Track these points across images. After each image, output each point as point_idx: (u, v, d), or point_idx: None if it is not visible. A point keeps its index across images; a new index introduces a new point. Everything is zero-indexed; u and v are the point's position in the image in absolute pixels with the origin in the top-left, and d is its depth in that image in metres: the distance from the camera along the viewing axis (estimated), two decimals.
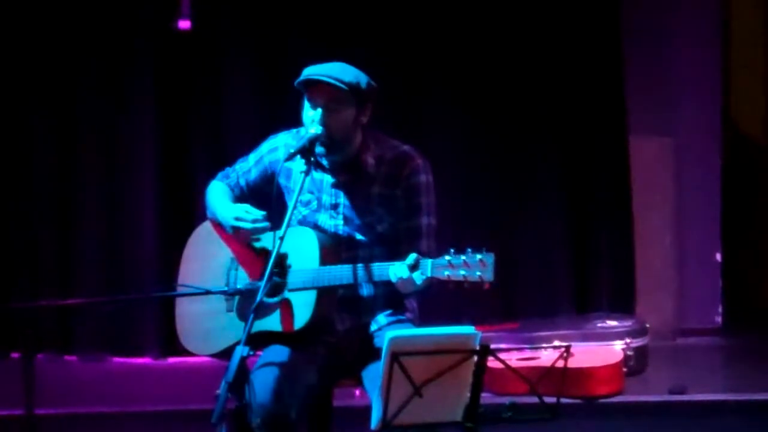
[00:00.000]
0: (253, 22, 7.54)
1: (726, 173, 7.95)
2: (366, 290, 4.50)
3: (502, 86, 7.58)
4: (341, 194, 4.54)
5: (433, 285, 4.20)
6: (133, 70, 7.57)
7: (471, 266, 4.00)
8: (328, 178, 4.55)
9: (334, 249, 4.46)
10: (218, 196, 4.69)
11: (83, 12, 7.50)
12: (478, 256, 4.00)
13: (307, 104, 4.45)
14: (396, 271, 4.17)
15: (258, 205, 4.58)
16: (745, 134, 9.13)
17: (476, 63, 7.56)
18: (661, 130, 7.76)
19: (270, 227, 4.44)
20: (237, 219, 4.51)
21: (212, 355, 4.63)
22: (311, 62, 4.51)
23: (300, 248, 4.40)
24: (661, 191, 7.76)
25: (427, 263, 4.07)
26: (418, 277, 4.11)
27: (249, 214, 4.50)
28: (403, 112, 7.31)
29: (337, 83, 4.38)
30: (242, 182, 4.70)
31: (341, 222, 4.53)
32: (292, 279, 4.38)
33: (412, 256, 4.11)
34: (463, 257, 4.01)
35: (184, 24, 7.45)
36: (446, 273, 4.03)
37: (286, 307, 4.37)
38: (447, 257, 4.03)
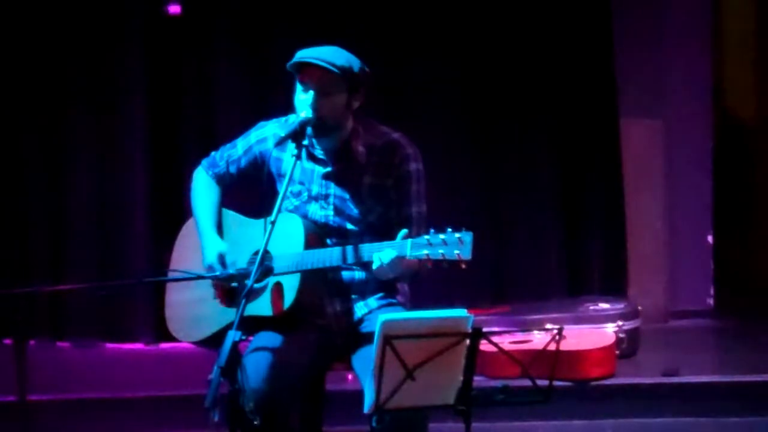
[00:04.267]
0: (243, 5, 7.53)
1: (717, 155, 7.95)
2: (357, 273, 4.51)
3: (494, 68, 7.58)
4: (331, 185, 4.54)
5: (417, 271, 4.24)
6: (123, 54, 7.57)
7: (449, 244, 4.00)
8: (319, 169, 4.55)
9: (319, 235, 4.47)
10: (203, 210, 4.69)
11: None
12: (457, 235, 4.00)
13: (298, 87, 4.44)
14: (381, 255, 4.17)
15: (247, 189, 4.59)
16: (735, 116, 9.14)
17: (467, 46, 7.55)
18: (652, 113, 7.75)
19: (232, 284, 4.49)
20: (209, 268, 4.55)
21: (197, 342, 4.64)
22: (300, 46, 4.50)
23: (286, 233, 4.41)
24: (653, 174, 7.76)
25: (406, 243, 4.08)
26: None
27: (220, 269, 4.52)
28: (392, 93, 7.29)
29: (329, 66, 4.37)
30: (232, 169, 4.70)
31: (332, 213, 4.53)
32: (278, 263, 4.39)
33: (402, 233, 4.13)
34: (441, 236, 4.01)
35: (174, 9, 7.46)
36: (425, 252, 4.03)
37: (278, 289, 4.38)
38: (426, 237, 4.04)
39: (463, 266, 4.01)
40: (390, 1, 7.51)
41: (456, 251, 3.99)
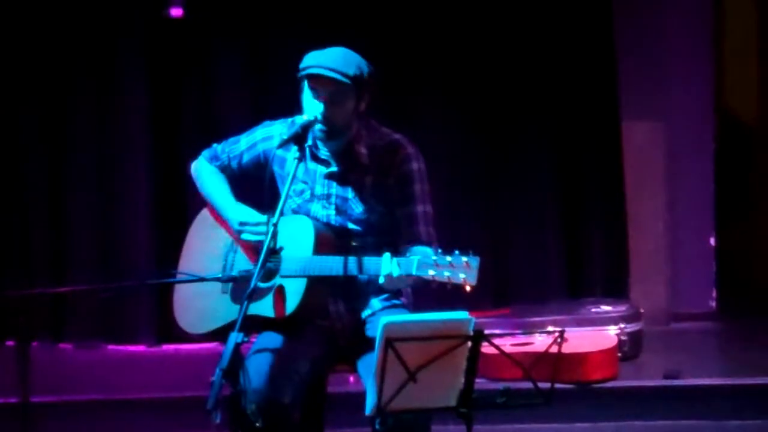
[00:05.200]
0: (244, 8, 7.54)
1: (719, 157, 7.95)
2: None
3: (494, 72, 7.58)
4: (334, 185, 4.54)
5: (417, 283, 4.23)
6: (125, 55, 7.58)
7: (456, 267, 3.99)
8: (322, 169, 4.55)
9: (330, 239, 4.46)
10: (216, 187, 4.68)
11: None
12: (464, 259, 3.99)
13: (308, 91, 4.43)
14: (385, 268, 4.16)
15: (249, 187, 4.59)
16: (737, 118, 9.14)
17: (468, 49, 7.55)
18: (653, 115, 7.76)
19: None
20: (242, 224, 4.52)
21: (202, 335, 4.64)
22: (300, 46, 4.49)
23: (295, 236, 4.40)
24: (654, 176, 7.76)
25: (413, 261, 4.07)
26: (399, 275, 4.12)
27: (253, 223, 4.50)
28: (394, 99, 7.29)
29: (342, 78, 4.36)
30: (234, 164, 4.69)
31: (333, 212, 4.53)
32: (285, 266, 4.39)
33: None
34: (449, 258, 4.00)
35: (176, 11, 7.47)
36: (431, 272, 4.02)
37: (280, 293, 4.38)
38: (433, 257, 4.03)
39: (468, 289, 4.01)
40: (390, 4, 7.51)
41: (462, 275, 3.99)
